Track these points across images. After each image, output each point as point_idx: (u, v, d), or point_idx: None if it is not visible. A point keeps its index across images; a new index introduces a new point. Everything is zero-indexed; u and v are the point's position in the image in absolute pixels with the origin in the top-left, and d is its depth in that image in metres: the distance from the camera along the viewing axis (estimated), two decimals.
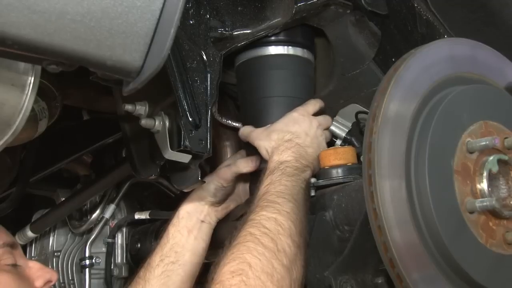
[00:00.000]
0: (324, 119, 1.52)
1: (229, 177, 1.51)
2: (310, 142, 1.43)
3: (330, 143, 1.68)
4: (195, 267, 1.49)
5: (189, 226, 1.51)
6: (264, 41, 1.53)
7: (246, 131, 1.52)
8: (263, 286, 1.05)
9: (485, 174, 1.03)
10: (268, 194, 1.26)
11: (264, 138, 1.44)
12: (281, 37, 1.53)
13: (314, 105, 1.51)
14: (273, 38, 1.52)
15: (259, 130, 1.48)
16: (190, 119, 1.32)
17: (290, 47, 1.55)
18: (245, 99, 1.59)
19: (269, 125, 1.48)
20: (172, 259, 1.47)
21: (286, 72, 1.54)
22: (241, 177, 1.55)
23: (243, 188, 1.59)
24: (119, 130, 1.59)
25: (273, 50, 1.54)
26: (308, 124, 1.45)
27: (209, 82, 1.39)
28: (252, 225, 1.17)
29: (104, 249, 1.99)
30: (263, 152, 1.44)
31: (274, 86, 1.53)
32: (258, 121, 1.53)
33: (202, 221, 1.52)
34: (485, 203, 1.00)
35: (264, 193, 1.27)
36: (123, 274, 1.96)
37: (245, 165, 1.50)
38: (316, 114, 1.51)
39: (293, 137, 1.41)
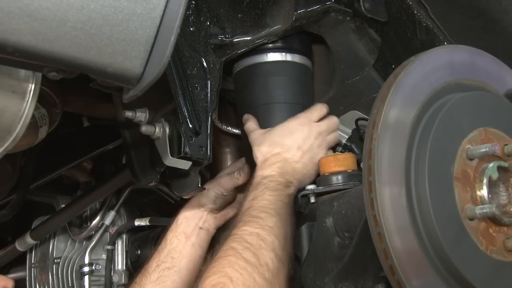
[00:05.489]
0: (327, 123, 1.48)
1: (230, 187, 1.51)
2: (300, 157, 1.40)
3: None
4: (191, 274, 1.48)
5: (187, 232, 1.50)
6: (261, 48, 1.53)
7: (249, 128, 1.49)
8: None
9: (485, 181, 1.03)
10: (251, 209, 1.25)
11: (258, 145, 1.43)
12: (278, 44, 1.54)
13: (319, 110, 1.48)
14: (270, 45, 1.53)
15: (259, 132, 1.46)
16: (190, 126, 1.32)
17: (287, 53, 1.55)
18: (242, 105, 1.59)
19: (269, 128, 1.46)
20: (168, 264, 1.47)
21: (284, 79, 1.54)
22: (241, 185, 1.54)
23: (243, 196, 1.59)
24: (119, 137, 1.59)
25: (271, 57, 1.54)
26: (305, 135, 1.42)
27: (209, 89, 1.39)
28: (234, 239, 1.17)
29: (104, 256, 1.99)
30: (255, 159, 1.43)
31: (272, 92, 1.53)
32: None
33: (200, 228, 1.52)
34: (485, 210, 1.00)
35: (248, 208, 1.27)
36: (123, 281, 1.96)
37: (240, 177, 1.49)
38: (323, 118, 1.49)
39: (282, 150, 1.39)
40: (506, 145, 1.08)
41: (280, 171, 1.36)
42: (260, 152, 1.41)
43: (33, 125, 1.39)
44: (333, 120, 1.50)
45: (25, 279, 2.30)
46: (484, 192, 1.02)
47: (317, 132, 1.44)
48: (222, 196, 1.51)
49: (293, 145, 1.41)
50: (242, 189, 1.56)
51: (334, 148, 1.61)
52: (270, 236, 1.18)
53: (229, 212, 1.56)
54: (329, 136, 1.48)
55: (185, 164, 1.32)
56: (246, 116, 1.53)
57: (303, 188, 1.39)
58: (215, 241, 1.54)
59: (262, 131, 1.47)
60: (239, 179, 1.50)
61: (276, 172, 1.35)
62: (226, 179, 1.51)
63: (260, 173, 1.36)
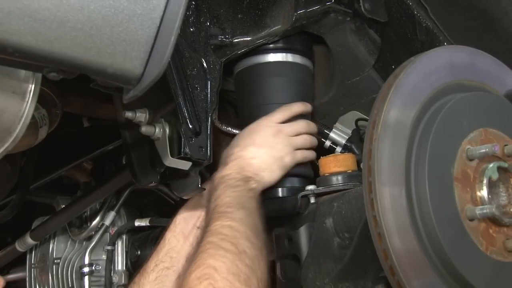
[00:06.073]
0: (292, 125, 1.49)
1: None
2: (256, 153, 1.42)
3: (330, 150, 1.68)
4: None
5: (185, 232, 1.51)
6: (263, 49, 1.54)
7: None
8: (231, 286, 1.07)
9: (485, 181, 1.03)
10: (218, 207, 1.28)
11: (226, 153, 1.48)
12: (280, 45, 1.54)
13: (281, 112, 1.49)
14: (272, 45, 1.53)
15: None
16: (190, 126, 1.32)
17: (289, 54, 1.55)
18: (244, 106, 1.59)
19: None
20: (167, 264, 1.47)
21: (285, 79, 1.55)
22: None
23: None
24: (119, 137, 1.59)
25: (272, 57, 1.55)
26: (263, 134, 1.45)
27: (209, 89, 1.39)
28: (209, 234, 1.20)
29: (104, 256, 1.99)
30: None
31: (273, 93, 1.54)
32: None
33: (198, 228, 1.52)
34: (485, 211, 1.00)
35: (214, 207, 1.29)
36: (123, 281, 1.96)
37: None
38: (299, 118, 1.51)
39: (237, 150, 1.43)
40: (506, 145, 1.08)
41: (236, 168, 1.39)
42: (223, 157, 1.46)
43: (33, 125, 1.39)
44: (300, 123, 1.51)
45: (25, 279, 2.30)
46: (484, 192, 1.02)
47: (277, 131, 1.46)
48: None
49: (249, 143, 1.44)
50: None
51: (331, 150, 1.63)
52: (242, 227, 1.21)
53: None
54: (296, 138, 1.49)
55: (185, 165, 1.32)
56: None
57: (303, 189, 1.39)
58: None
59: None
60: None
61: (232, 170, 1.39)
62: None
63: (218, 174, 1.40)
